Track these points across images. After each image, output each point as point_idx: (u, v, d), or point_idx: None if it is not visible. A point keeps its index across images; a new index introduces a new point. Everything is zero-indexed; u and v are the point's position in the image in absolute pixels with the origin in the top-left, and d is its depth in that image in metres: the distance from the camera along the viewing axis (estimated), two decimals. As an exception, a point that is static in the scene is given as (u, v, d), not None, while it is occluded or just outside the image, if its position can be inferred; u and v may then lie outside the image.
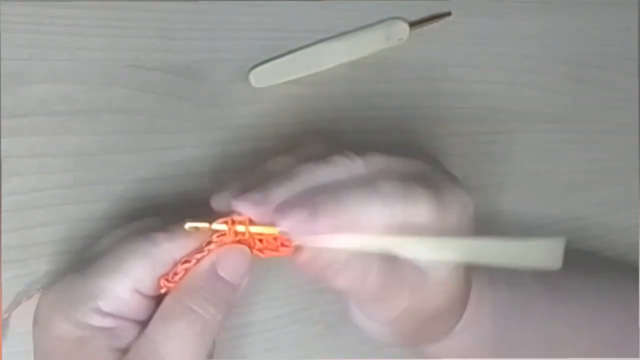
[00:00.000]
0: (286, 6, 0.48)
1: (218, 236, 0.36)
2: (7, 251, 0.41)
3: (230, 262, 0.37)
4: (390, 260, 0.37)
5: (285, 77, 0.48)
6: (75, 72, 0.43)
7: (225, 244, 0.37)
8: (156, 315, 0.36)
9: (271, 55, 0.48)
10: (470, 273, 0.42)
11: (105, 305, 0.35)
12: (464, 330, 0.43)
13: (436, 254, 0.37)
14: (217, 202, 0.37)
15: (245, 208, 0.36)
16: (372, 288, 0.37)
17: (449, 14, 0.52)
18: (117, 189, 0.44)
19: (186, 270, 0.36)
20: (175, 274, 0.36)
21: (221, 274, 0.36)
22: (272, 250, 0.37)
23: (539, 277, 0.48)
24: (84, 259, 0.39)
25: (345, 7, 0.50)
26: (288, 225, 0.35)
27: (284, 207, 0.35)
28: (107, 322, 0.35)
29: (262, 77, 0.47)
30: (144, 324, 0.36)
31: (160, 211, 0.44)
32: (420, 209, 0.36)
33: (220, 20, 0.47)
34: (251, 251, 0.37)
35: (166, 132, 0.45)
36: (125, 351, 0.35)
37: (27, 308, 0.41)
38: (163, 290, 0.36)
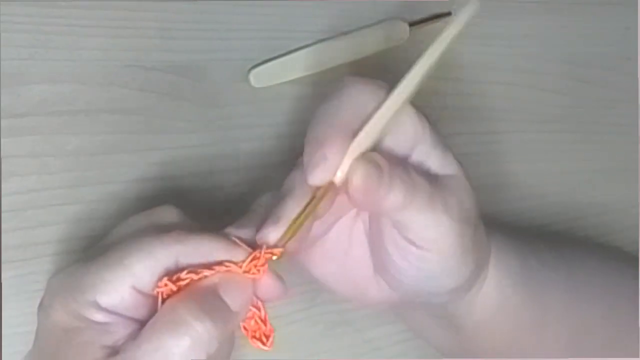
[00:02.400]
0: (286, 6, 0.48)
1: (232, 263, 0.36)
2: (7, 251, 0.41)
3: (232, 288, 0.35)
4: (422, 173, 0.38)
5: (285, 77, 0.48)
6: (75, 72, 0.43)
7: (234, 271, 0.36)
8: (150, 321, 0.34)
9: (271, 55, 0.48)
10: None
11: (102, 299, 0.34)
12: (496, 270, 0.43)
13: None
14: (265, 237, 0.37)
15: (270, 237, 0.36)
16: (424, 188, 0.37)
17: (449, 14, 0.52)
18: (117, 189, 0.44)
19: (191, 280, 0.35)
20: (179, 278, 0.35)
21: (222, 296, 0.35)
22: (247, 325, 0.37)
23: (551, 245, 0.49)
24: (96, 247, 0.38)
25: (345, 7, 0.50)
26: (319, 176, 0.35)
27: (305, 170, 0.36)
28: (101, 317, 0.34)
29: (262, 77, 0.47)
30: (141, 323, 0.35)
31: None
32: (374, 80, 0.39)
33: (220, 20, 0.47)
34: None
35: (166, 132, 0.45)
36: (115, 348, 0.34)
37: (28, 307, 0.41)
38: (160, 289, 0.35)
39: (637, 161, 0.58)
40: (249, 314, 0.37)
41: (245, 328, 0.37)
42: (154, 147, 0.45)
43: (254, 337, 0.37)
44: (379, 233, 0.39)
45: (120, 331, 0.35)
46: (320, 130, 0.36)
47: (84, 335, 0.34)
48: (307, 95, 0.49)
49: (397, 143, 0.38)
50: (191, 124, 0.46)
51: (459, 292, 0.41)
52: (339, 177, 0.36)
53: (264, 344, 0.37)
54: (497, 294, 0.44)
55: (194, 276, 0.35)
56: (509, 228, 0.48)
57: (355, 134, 0.36)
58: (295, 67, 0.48)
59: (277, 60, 0.48)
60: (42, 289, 0.41)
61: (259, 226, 0.37)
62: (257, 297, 0.37)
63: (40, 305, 0.36)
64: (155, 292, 0.35)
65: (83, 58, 0.44)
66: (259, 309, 0.37)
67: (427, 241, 0.38)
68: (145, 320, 0.35)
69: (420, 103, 0.52)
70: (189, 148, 0.46)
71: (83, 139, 0.43)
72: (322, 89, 0.49)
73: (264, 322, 0.37)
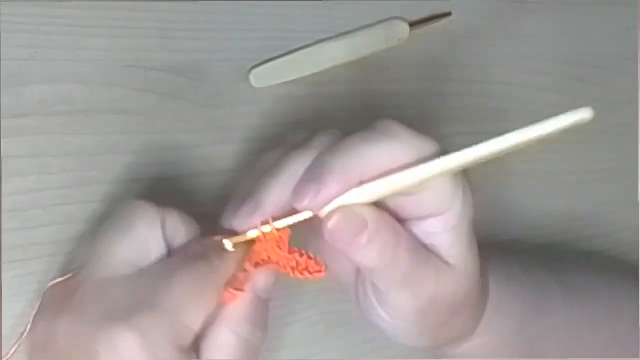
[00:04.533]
0: (286, 6, 0.48)
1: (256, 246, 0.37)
2: (7, 251, 0.41)
3: (264, 283, 0.38)
4: (417, 245, 0.37)
5: (285, 77, 0.48)
6: (75, 72, 0.43)
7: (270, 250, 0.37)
8: (209, 349, 0.36)
9: (271, 55, 0.48)
10: (486, 267, 0.42)
11: (185, 341, 0.35)
12: (485, 333, 0.43)
13: (447, 166, 0.35)
14: (227, 222, 0.38)
15: (240, 223, 0.36)
16: (402, 266, 0.36)
17: (449, 14, 0.52)
18: (117, 189, 0.44)
19: (248, 279, 0.37)
20: (241, 283, 0.37)
21: (259, 293, 0.37)
22: (302, 271, 0.38)
23: (554, 275, 0.48)
24: (123, 277, 0.37)
25: (345, 7, 0.50)
26: (304, 204, 0.34)
27: (295, 190, 0.35)
28: (183, 358, 0.35)
29: (262, 77, 0.47)
30: None
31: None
32: (422, 140, 0.36)
33: (220, 20, 0.47)
34: (283, 268, 0.38)
35: (166, 132, 0.45)
36: None
37: (27, 308, 0.41)
38: (229, 300, 0.37)
39: (637, 161, 0.58)
40: (296, 264, 0.38)
41: (300, 272, 0.38)
42: (154, 147, 0.45)
43: (309, 272, 0.38)
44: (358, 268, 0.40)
45: None
46: (333, 163, 0.35)
47: None
48: (307, 95, 0.49)
49: (409, 205, 0.37)
50: (191, 124, 0.46)
51: (430, 348, 0.42)
52: (319, 213, 0.35)
53: (320, 271, 0.38)
54: (486, 351, 0.44)
55: (246, 274, 0.37)
56: (509, 259, 0.47)
57: (362, 183, 0.35)
58: (295, 67, 0.48)
59: (277, 60, 0.48)
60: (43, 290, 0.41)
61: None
62: (293, 252, 0.38)
63: (105, 356, 0.34)
64: (225, 303, 0.37)
65: (83, 58, 0.44)
66: (304, 254, 0.38)
67: (388, 307, 0.38)
68: None
69: (420, 104, 0.52)
70: (189, 148, 0.46)
71: (83, 139, 0.43)
72: (322, 89, 0.49)
73: (311, 257, 0.38)
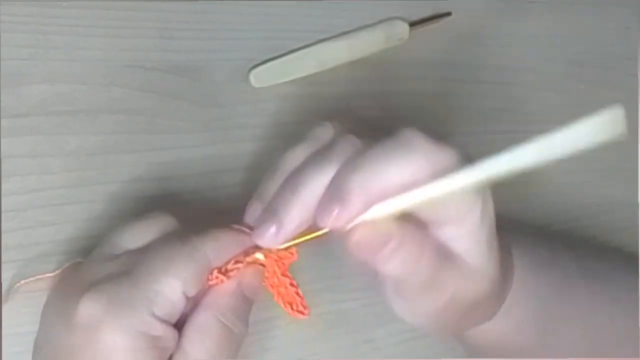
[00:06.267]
0: (286, 6, 0.48)
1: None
2: (7, 251, 0.41)
3: (251, 281, 0.38)
4: (439, 251, 0.37)
5: (285, 77, 0.48)
6: (75, 72, 0.43)
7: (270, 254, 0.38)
8: (191, 330, 0.36)
9: (271, 55, 0.48)
10: (511, 261, 0.43)
11: (158, 310, 0.35)
12: (505, 315, 0.43)
13: (471, 179, 0.35)
14: (249, 218, 0.38)
15: (264, 242, 0.37)
16: (424, 273, 0.36)
17: (449, 14, 0.52)
18: (117, 189, 0.44)
19: (238, 269, 0.37)
20: (227, 270, 0.37)
21: (245, 291, 0.38)
22: (285, 302, 0.40)
23: (578, 261, 0.48)
24: (109, 256, 0.38)
25: (345, 7, 0.50)
26: (327, 224, 0.35)
27: (319, 209, 0.35)
28: (160, 330, 0.35)
29: (262, 77, 0.47)
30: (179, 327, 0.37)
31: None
32: (442, 150, 0.35)
33: (220, 20, 0.47)
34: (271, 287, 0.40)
35: (166, 132, 0.45)
36: None
37: (28, 307, 0.41)
38: (213, 282, 0.37)
39: (637, 161, 0.58)
40: (285, 290, 0.40)
41: (284, 302, 0.40)
42: (154, 147, 0.45)
43: (292, 308, 0.40)
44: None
45: (170, 344, 0.36)
46: (355, 183, 0.34)
47: (145, 356, 0.35)
48: (307, 95, 0.49)
49: (430, 212, 0.36)
50: (191, 124, 0.46)
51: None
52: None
53: (302, 313, 0.40)
54: (505, 331, 0.44)
55: (241, 265, 0.38)
56: (538, 246, 0.47)
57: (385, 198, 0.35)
58: (295, 67, 0.48)
59: (277, 60, 0.48)
60: (42, 289, 0.41)
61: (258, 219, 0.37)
62: (286, 276, 0.39)
63: (79, 326, 0.35)
64: (207, 285, 0.37)
65: (83, 58, 0.44)
66: (294, 286, 0.39)
67: (411, 307, 0.39)
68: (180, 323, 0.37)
69: (420, 104, 0.52)
70: (189, 148, 0.46)
71: (83, 139, 0.43)
72: (322, 89, 0.49)
73: (300, 295, 0.40)
